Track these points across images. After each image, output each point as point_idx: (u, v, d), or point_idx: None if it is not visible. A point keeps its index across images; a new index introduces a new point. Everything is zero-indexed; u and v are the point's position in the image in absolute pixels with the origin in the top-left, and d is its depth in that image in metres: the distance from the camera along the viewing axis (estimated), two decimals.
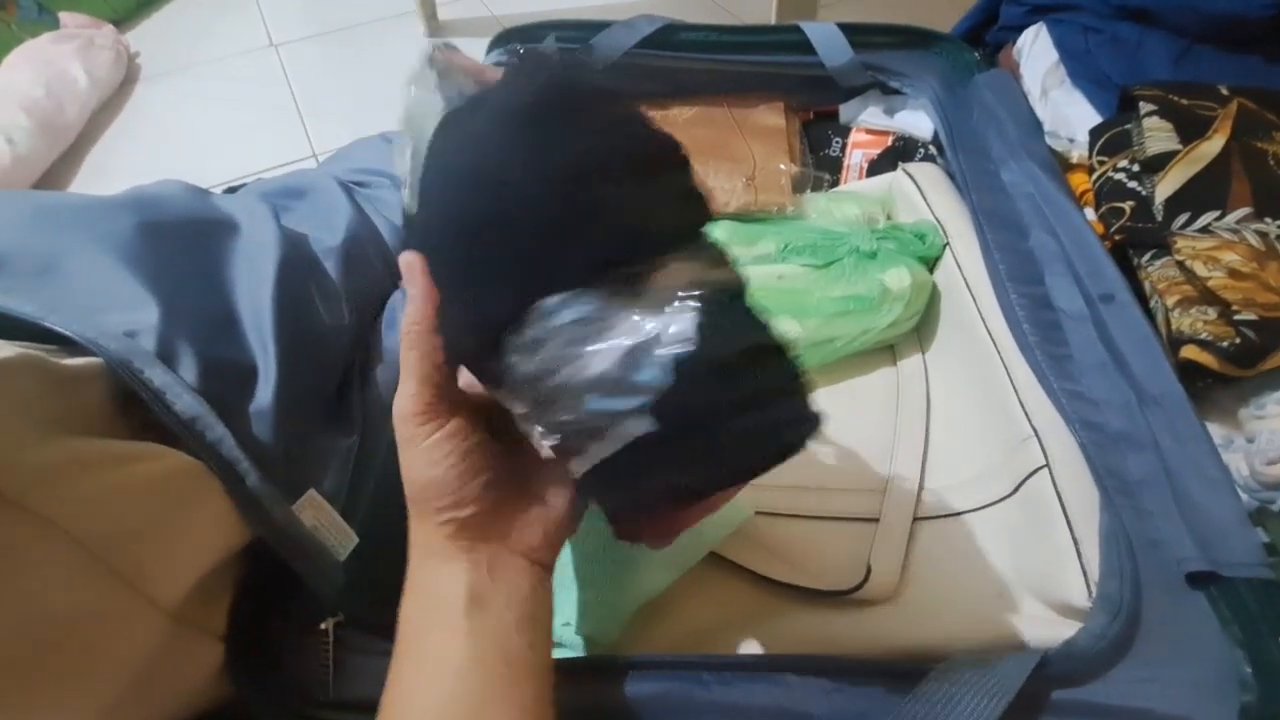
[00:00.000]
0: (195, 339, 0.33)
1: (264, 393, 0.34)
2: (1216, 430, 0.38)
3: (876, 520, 0.41)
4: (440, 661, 0.24)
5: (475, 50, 0.66)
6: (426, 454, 0.25)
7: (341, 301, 0.41)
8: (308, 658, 0.32)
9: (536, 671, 0.25)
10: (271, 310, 0.36)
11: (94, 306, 0.32)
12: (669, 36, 0.65)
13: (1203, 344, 0.37)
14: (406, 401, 0.25)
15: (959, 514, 0.40)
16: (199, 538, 0.30)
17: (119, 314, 0.32)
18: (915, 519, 0.41)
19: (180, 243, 0.37)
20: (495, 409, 0.25)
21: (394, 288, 0.46)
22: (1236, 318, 0.36)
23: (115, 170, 0.95)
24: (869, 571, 0.36)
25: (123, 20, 1.21)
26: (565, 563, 0.39)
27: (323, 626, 0.33)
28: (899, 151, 0.64)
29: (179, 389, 0.30)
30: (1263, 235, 0.41)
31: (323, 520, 0.34)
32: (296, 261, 0.40)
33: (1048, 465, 0.36)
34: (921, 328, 0.53)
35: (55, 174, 0.92)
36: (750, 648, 0.34)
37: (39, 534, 0.25)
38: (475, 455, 0.25)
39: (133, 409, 0.30)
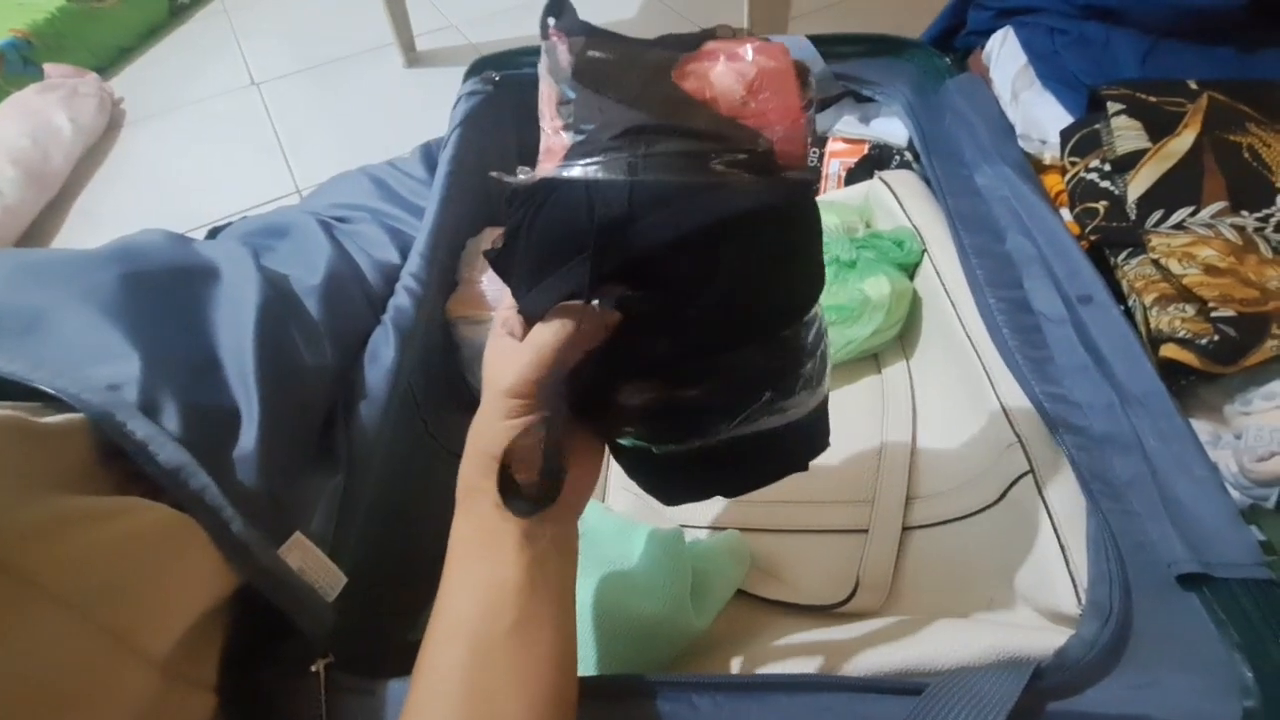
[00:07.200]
0: (177, 388, 0.33)
1: (247, 437, 0.34)
2: (1203, 427, 0.38)
3: (865, 531, 0.41)
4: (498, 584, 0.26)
5: (455, 79, 0.67)
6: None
7: (323, 340, 0.42)
8: (300, 702, 0.32)
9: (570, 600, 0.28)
10: (253, 354, 0.36)
11: (77, 361, 0.32)
12: None
13: (1182, 342, 0.37)
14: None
15: (946, 522, 0.40)
16: (186, 588, 0.30)
17: (102, 367, 0.32)
18: (904, 528, 0.40)
19: (162, 292, 0.38)
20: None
21: (375, 323, 0.46)
22: (1214, 314, 0.36)
23: (102, 215, 0.95)
24: (857, 584, 0.36)
25: (106, 67, 1.23)
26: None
27: (314, 669, 0.33)
28: (875, 159, 0.64)
29: (162, 440, 0.30)
30: (1240, 229, 0.41)
31: (310, 562, 0.34)
32: (277, 303, 0.40)
33: (1032, 471, 0.36)
34: (905, 335, 0.53)
35: (43, 221, 0.93)
36: (739, 665, 0.34)
37: (21, 594, 0.25)
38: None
39: (117, 462, 0.30)
